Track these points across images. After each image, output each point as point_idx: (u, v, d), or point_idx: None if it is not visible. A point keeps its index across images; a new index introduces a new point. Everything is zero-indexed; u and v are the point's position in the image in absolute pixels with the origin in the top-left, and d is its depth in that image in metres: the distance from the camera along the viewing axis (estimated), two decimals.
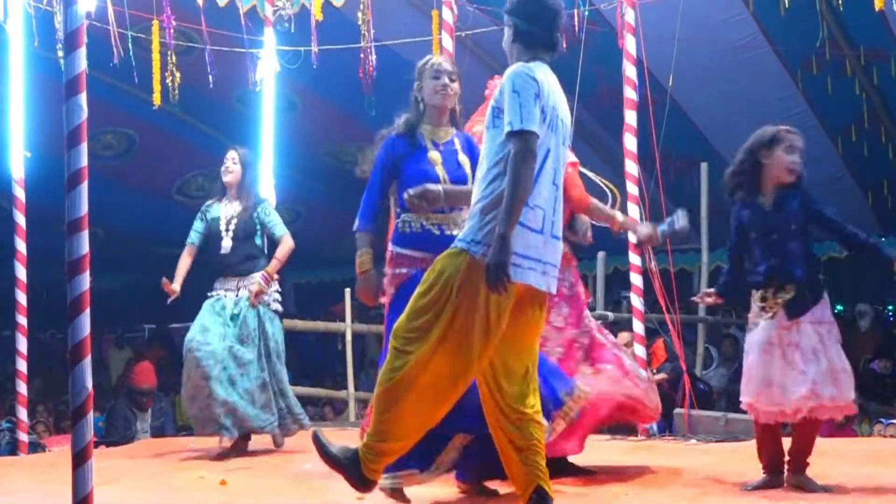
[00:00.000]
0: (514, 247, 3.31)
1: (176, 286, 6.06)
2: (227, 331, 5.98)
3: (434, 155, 4.15)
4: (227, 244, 6.11)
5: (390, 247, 4.14)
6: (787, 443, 4.47)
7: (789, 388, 4.23)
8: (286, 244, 6.12)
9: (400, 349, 3.45)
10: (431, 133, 4.22)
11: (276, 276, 6.10)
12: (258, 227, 6.15)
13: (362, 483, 3.58)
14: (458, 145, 4.23)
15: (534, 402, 3.52)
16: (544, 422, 3.60)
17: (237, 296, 6.05)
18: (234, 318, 6.02)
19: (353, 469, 3.55)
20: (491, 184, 3.40)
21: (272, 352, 6.07)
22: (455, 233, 3.92)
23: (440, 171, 4.13)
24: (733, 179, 4.47)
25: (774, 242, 4.31)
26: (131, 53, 7.70)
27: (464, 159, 4.19)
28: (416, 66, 4.30)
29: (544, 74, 3.51)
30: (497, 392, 3.49)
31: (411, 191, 3.98)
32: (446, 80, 4.18)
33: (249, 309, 6.02)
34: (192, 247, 6.24)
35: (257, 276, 6.03)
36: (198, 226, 6.25)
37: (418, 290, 3.46)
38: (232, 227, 6.13)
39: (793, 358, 4.25)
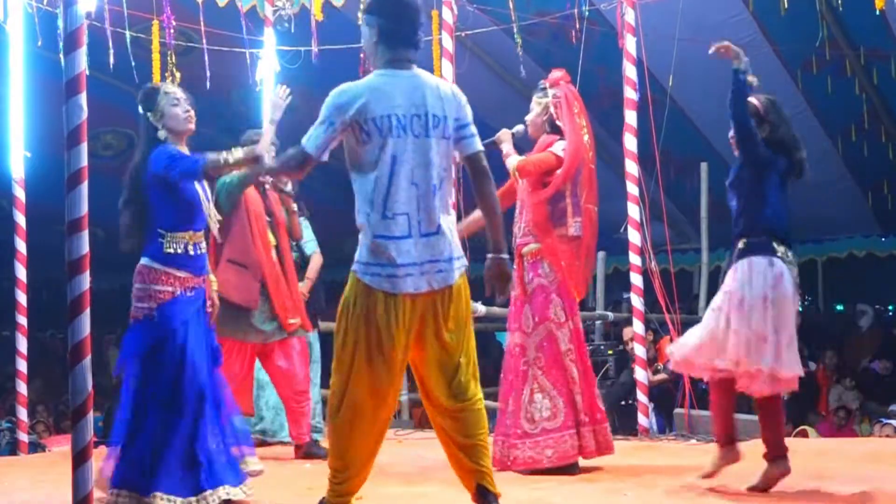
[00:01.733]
0: (383, 260, 3.48)
1: None
2: None
3: None
4: None
5: (148, 262, 4.19)
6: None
7: None
8: (317, 262, 6.23)
9: (331, 385, 3.63)
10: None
11: (307, 295, 6.13)
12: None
13: None
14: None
15: (473, 392, 3.64)
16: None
17: None
18: None
19: None
20: (356, 211, 3.59)
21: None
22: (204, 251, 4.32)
23: (197, 186, 4.31)
24: None
25: None
26: (130, 53, 7.70)
27: None
28: (140, 95, 4.37)
29: (376, 82, 3.57)
30: (427, 396, 3.66)
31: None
32: (188, 106, 4.38)
33: None
34: None
35: None
36: None
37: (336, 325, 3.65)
38: None
39: None
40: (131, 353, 4.18)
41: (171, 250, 4.19)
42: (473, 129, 3.66)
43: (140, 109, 4.35)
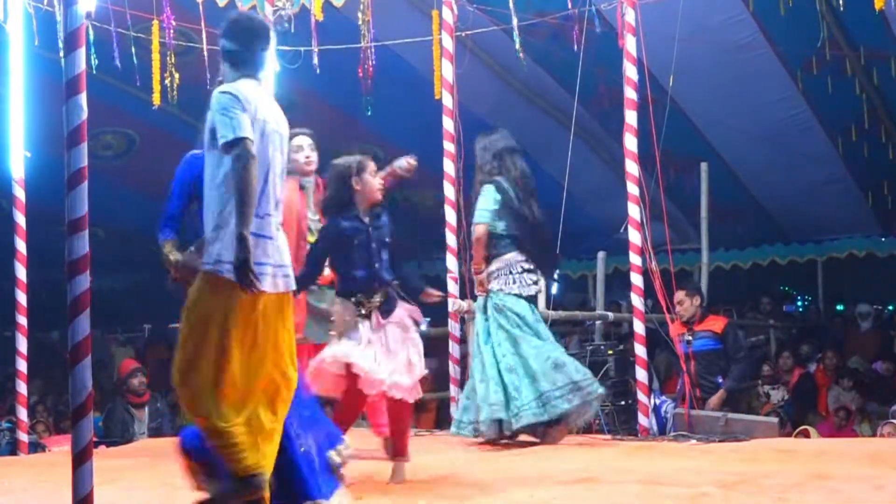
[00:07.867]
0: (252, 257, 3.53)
1: None
2: None
3: None
4: None
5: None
6: None
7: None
8: None
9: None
10: None
11: None
12: None
13: None
14: None
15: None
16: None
17: None
18: None
19: None
20: (219, 205, 3.63)
21: None
22: None
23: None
24: (332, 204, 5.04)
25: (373, 252, 4.92)
26: (132, 53, 7.70)
27: None
28: None
29: (249, 90, 3.74)
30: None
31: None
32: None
33: None
34: None
35: None
36: None
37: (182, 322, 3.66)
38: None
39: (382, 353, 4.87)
40: None
41: None
42: None
43: None
